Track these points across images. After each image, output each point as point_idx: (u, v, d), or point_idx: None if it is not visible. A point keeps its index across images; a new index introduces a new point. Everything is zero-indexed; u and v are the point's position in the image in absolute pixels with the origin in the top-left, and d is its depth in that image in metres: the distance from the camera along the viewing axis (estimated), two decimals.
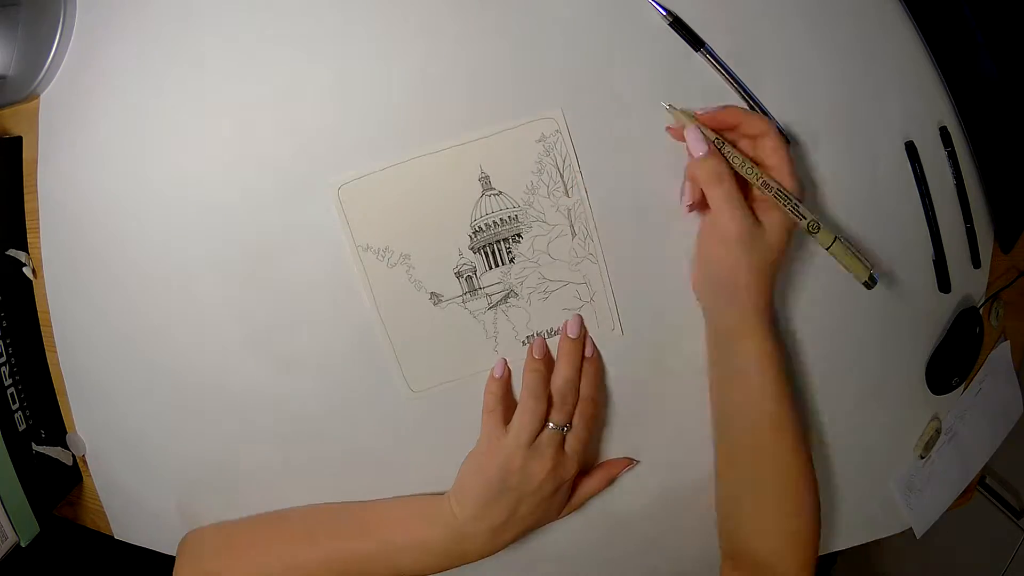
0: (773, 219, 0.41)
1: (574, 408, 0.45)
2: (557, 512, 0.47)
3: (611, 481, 0.49)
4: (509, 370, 0.47)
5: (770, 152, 0.41)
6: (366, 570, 0.46)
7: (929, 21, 0.46)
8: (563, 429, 0.44)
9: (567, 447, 0.45)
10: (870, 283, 0.39)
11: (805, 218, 0.39)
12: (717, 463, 0.48)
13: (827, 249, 0.39)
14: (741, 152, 0.41)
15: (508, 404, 0.46)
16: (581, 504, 0.48)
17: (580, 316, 0.47)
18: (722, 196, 0.40)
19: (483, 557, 0.45)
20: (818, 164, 0.46)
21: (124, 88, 0.45)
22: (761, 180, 0.40)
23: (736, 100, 0.45)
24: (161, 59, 0.45)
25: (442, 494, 0.47)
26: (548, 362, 0.46)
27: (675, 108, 0.43)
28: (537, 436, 0.44)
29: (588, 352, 0.47)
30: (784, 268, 0.47)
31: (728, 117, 0.42)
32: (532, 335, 0.47)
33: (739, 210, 0.40)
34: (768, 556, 0.45)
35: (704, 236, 0.44)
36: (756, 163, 0.41)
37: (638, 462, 0.50)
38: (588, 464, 0.50)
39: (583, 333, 0.47)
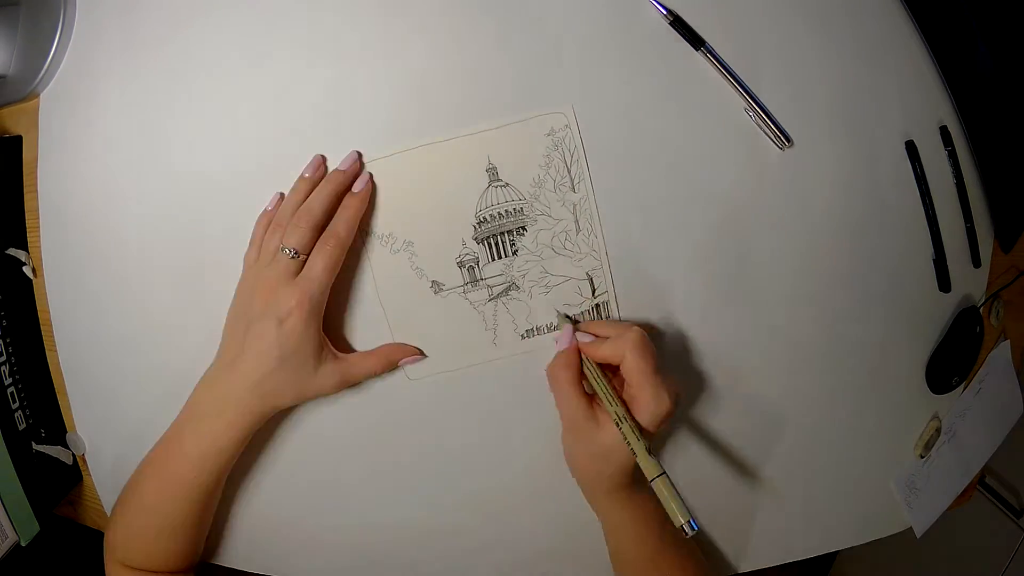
0: (611, 430, 0.40)
1: (313, 238, 0.42)
2: (301, 360, 0.42)
3: (390, 365, 0.46)
4: (283, 206, 0.44)
5: (628, 369, 0.40)
6: (187, 473, 0.44)
7: (929, 20, 0.46)
8: (293, 255, 0.41)
9: (298, 276, 0.41)
10: (687, 530, 0.36)
11: (639, 440, 0.38)
12: None
13: (650, 481, 0.37)
14: (601, 369, 0.42)
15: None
16: (356, 378, 0.45)
17: (358, 153, 0.44)
18: (561, 384, 0.42)
19: (238, 397, 0.42)
20: (818, 163, 0.47)
21: (124, 87, 0.46)
22: (609, 396, 0.40)
23: (736, 99, 0.45)
24: (161, 57, 0.45)
25: None
26: (316, 184, 0.43)
27: (562, 313, 0.46)
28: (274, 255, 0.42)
29: (358, 187, 0.43)
30: (782, 267, 0.47)
31: (600, 330, 0.43)
32: (532, 329, 0.47)
33: (574, 400, 0.41)
34: None
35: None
36: (616, 382, 0.42)
37: (424, 356, 0.47)
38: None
39: (357, 167, 0.44)
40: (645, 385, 0.39)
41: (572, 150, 0.44)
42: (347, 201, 0.43)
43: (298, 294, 0.41)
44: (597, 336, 0.43)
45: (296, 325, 0.41)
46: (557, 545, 0.53)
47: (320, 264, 0.42)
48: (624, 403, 0.40)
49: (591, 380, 0.42)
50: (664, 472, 0.37)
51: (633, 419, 0.39)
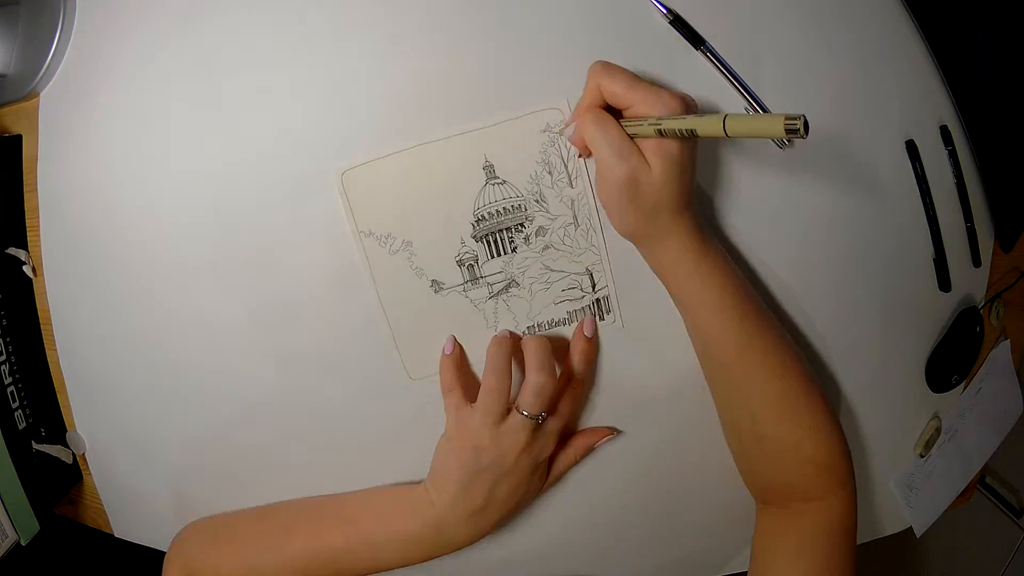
0: (657, 160, 0.37)
1: (549, 400, 0.43)
2: (536, 490, 0.46)
3: (589, 451, 0.48)
4: (460, 346, 0.46)
5: (615, 98, 0.38)
6: (348, 564, 0.45)
7: (930, 19, 0.46)
8: (538, 419, 0.42)
9: (552, 423, 0.44)
10: (792, 127, 0.28)
11: (696, 131, 0.34)
12: (717, 411, 0.47)
13: (726, 131, 0.32)
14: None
15: (466, 383, 0.46)
16: (560, 477, 0.47)
17: (595, 319, 0.46)
18: (599, 130, 0.38)
19: (467, 543, 0.44)
20: (818, 162, 0.46)
21: (124, 85, 0.45)
22: (635, 126, 0.37)
23: (736, 98, 0.45)
24: (161, 55, 0.45)
25: (420, 483, 0.46)
26: (515, 336, 0.45)
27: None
28: (505, 415, 0.42)
29: (588, 332, 0.46)
30: (781, 265, 0.47)
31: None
32: (533, 325, 0.47)
33: (616, 137, 0.38)
34: (788, 478, 0.43)
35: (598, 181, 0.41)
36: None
37: (620, 432, 0.48)
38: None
39: (595, 334, 0.46)
40: (637, 91, 0.37)
41: (569, 146, 0.44)
42: (584, 347, 0.46)
43: (554, 442, 0.44)
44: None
45: (545, 469, 0.45)
46: (556, 545, 0.53)
47: (571, 411, 0.45)
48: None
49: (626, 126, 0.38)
50: (727, 114, 0.32)
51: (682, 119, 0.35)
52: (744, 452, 0.46)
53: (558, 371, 0.45)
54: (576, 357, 0.45)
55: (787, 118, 0.29)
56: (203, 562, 0.48)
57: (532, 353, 0.43)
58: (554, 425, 0.44)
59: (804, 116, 0.28)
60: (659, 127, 0.36)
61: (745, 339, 0.41)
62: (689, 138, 0.36)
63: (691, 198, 0.40)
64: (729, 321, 0.41)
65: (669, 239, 0.40)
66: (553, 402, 0.43)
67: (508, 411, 0.42)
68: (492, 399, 0.42)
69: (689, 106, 0.38)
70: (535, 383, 0.42)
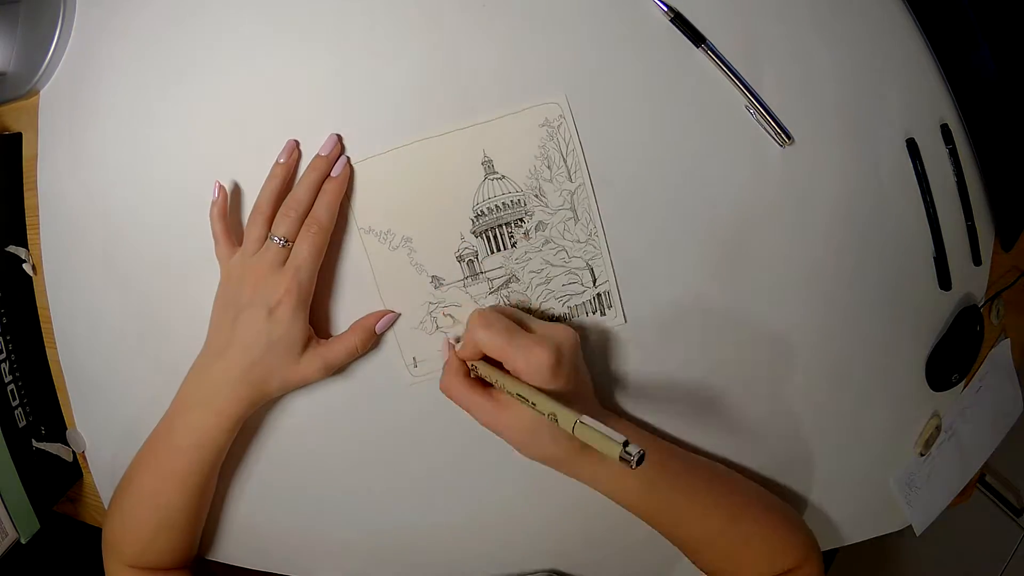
0: (518, 409, 0.39)
1: (298, 225, 0.42)
2: (288, 347, 0.42)
3: (368, 335, 0.45)
4: (225, 193, 0.44)
5: (487, 347, 0.40)
6: (170, 452, 0.44)
7: (930, 18, 0.46)
8: (283, 243, 0.42)
9: (286, 264, 0.42)
10: (629, 458, 0.31)
11: (542, 406, 0.36)
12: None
13: (573, 433, 0.34)
14: (484, 362, 0.41)
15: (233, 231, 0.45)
16: (339, 362, 0.45)
17: (338, 135, 0.43)
18: (456, 391, 0.42)
19: (226, 387, 0.43)
20: (819, 161, 0.46)
21: (123, 84, 0.45)
22: (494, 379, 0.40)
23: (737, 96, 0.45)
24: (160, 53, 0.45)
25: None
26: (291, 170, 0.44)
27: (446, 339, 0.46)
28: (261, 246, 0.42)
29: (336, 171, 0.43)
30: (781, 264, 0.48)
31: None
32: None
33: (474, 398, 0.41)
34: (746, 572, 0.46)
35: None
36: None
37: (398, 314, 0.46)
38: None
39: (336, 152, 0.44)
40: (508, 352, 0.38)
41: (567, 140, 0.44)
42: (326, 186, 0.43)
43: (287, 282, 0.42)
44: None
45: (285, 312, 0.42)
46: (555, 544, 0.53)
47: (306, 251, 0.42)
48: (509, 378, 0.39)
49: (480, 372, 0.41)
50: (577, 419, 0.34)
51: (529, 387, 0.37)
52: (691, 554, 0.47)
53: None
54: (320, 196, 0.43)
55: (624, 449, 0.31)
56: (123, 543, 0.47)
57: (296, 184, 0.43)
58: (292, 261, 0.42)
59: (642, 453, 0.31)
60: (521, 396, 0.37)
61: (665, 498, 0.44)
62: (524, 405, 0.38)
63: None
64: (648, 493, 0.44)
65: (578, 462, 0.42)
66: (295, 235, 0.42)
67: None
68: (251, 228, 0.43)
69: (561, 353, 0.39)
70: (283, 208, 0.42)
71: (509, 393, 0.38)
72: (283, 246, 0.42)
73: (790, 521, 0.48)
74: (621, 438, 0.32)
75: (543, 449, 0.41)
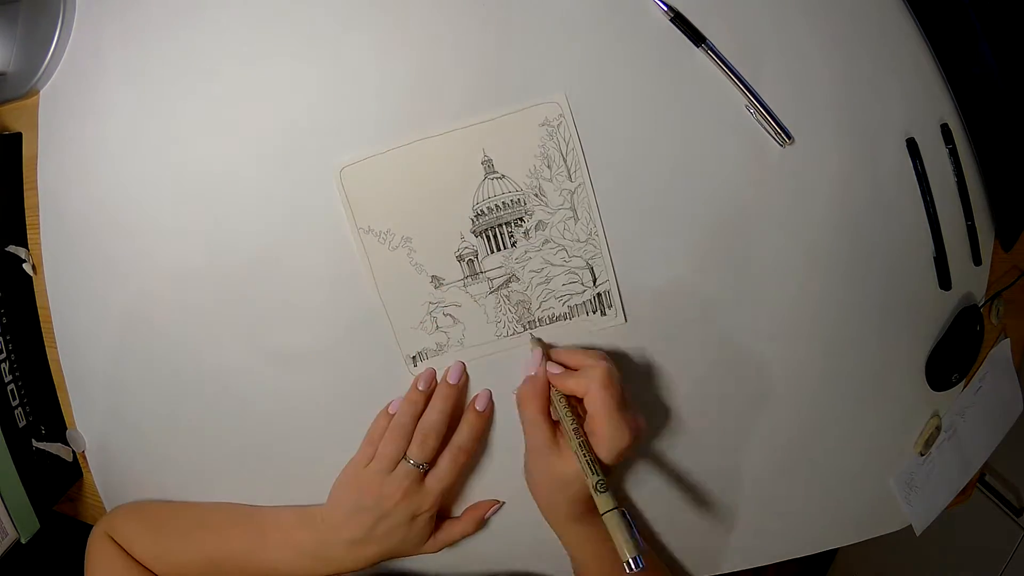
0: (571, 461, 0.41)
1: (435, 450, 0.46)
2: (420, 541, 0.48)
3: (480, 523, 0.50)
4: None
5: (590, 403, 0.41)
6: (248, 564, 0.48)
7: (930, 17, 0.46)
8: (420, 467, 0.45)
9: (426, 482, 0.46)
10: (631, 567, 0.36)
11: (594, 475, 0.39)
12: None
13: (602, 514, 0.38)
14: (567, 400, 0.43)
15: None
16: (452, 542, 0.49)
17: (463, 364, 0.47)
18: (528, 410, 0.44)
19: (347, 567, 0.47)
20: (819, 160, 0.46)
21: (123, 83, 0.46)
22: (571, 427, 0.41)
23: (737, 95, 0.45)
24: (160, 53, 0.45)
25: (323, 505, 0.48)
26: (430, 397, 0.47)
27: (535, 337, 0.47)
28: (396, 465, 0.45)
29: (480, 406, 0.47)
30: (779, 266, 0.48)
31: (570, 360, 0.44)
32: (534, 320, 0.47)
33: (540, 426, 0.43)
34: None
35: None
36: (580, 410, 0.42)
37: (503, 503, 0.50)
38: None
39: (464, 381, 0.48)
40: (606, 420, 0.40)
41: (567, 139, 0.44)
42: (472, 419, 0.47)
43: (434, 498, 0.46)
44: (566, 367, 0.44)
45: (426, 520, 0.46)
46: (553, 543, 0.53)
47: (450, 473, 0.46)
48: (585, 435, 0.41)
49: (557, 409, 0.43)
50: (616, 507, 0.37)
51: (592, 452, 0.40)
52: None
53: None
54: (464, 426, 0.47)
55: (629, 555, 0.36)
56: (123, 532, 0.50)
57: (428, 410, 0.47)
58: (433, 482, 0.46)
59: (638, 559, 0.36)
60: (590, 465, 0.39)
61: None
62: (578, 457, 0.40)
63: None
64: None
65: (562, 523, 0.46)
66: (435, 456, 0.46)
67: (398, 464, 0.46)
68: (389, 449, 0.46)
69: (636, 443, 0.41)
70: (419, 435, 0.45)
71: (576, 450, 0.40)
72: (419, 469, 0.45)
73: None
74: (642, 546, 0.36)
75: (560, 500, 0.44)
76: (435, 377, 0.47)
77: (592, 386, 0.41)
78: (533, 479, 0.46)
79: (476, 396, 0.48)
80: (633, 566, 0.36)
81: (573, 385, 0.42)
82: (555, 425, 0.44)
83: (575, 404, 0.43)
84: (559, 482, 0.43)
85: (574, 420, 0.41)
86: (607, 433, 0.40)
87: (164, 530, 0.50)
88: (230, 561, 0.48)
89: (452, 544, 0.49)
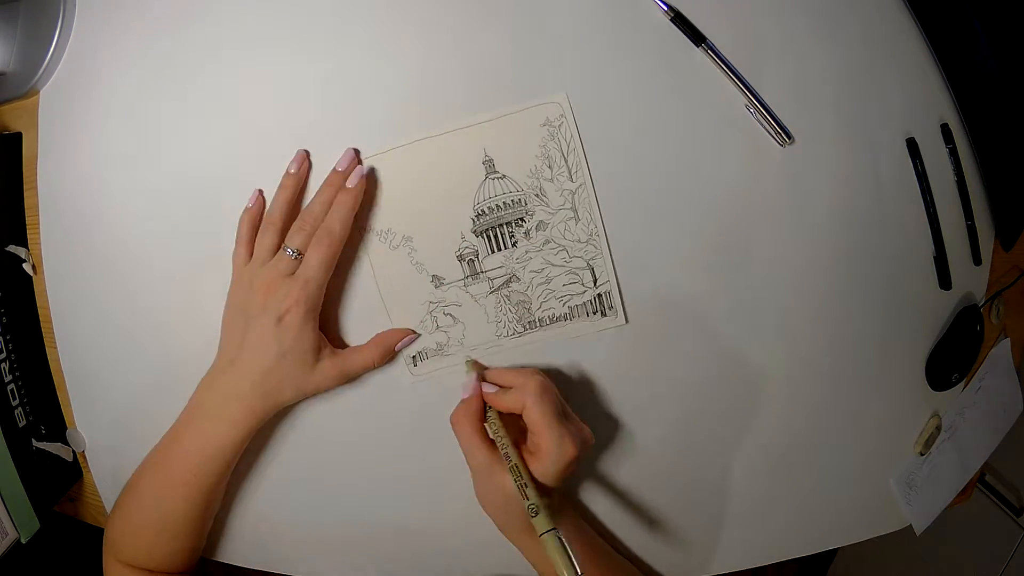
0: (510, 479, 0.40)
1: (305, 239, 0.42)
2: (297, 358, 0.43)
3: (387, 352, 0.46)
4: (263, 200, 0.45)
5: (528, 417, 0.40)
6: (190, 462, 0.44)
7: (931, 17, 0.46)
8: (295, 255, 0.42)
9: (295, 274, 0.42)
10: None
11: (525, 499, 0.38)
12: None
13: (539, 536, 0.37)
14: (501, 421, 0.42)
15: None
16: (353, 371, 0.45)
17: (355, 150, 0.44)
18: (463, 432, 0.42)
19: (236, 396, 0.43)
20: (819, 160, 0.46)
21: (123, 83, 0.46)
22: (504, 449, 0.40)
23: (737, 95, 0.45)
24: (160, 53, 0.45)
25: None
26: (301, 181, 0.44)
27: (470, 360, 0.47)
28: (273, 256, 0.43)
29: (351, 183, 0.43)
30: (781, 265, 0.48)
31: (503, 379, 0.43)
32: (534, 320, 0.47)
33: (475, 448, 0.41)
34: None
35: None
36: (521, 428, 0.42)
37: (418, 335, 0.47)
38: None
39: (353, 166, 0.44)
40: (545, 433, 0.39)
41: (568, 139, 0.44)
42: (340, 197, 0.43)
43: (296, 291, 0.42)
44: (501, 386, 0.43)
45: (294, 321, 0.42)
46: None
47: (316, 260, 0.42)
48: (521, 456, 0.40)
49: (489, 430, 0.42)
50: (550, 529, 0.37)
51: (527, 474, 0.39)
52: None
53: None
54: (333, 208, 0.43)
55: None
56: (126, 551, 0.47)
57: (313, 199, 0.43)
58: (303, 271, 0.42)
59: None
60: (523, 487, 0.39)
61: None
62: (511, 478, 0.39)
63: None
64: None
65: (514, 536, 0.44)
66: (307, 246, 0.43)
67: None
68: (264, 238, 0.43)
69: (583, 452, 0.40)
70: (298, 221, 0.43)
71: (512, 473, 0.39)
72: (295, 258, 0.42)
73: None
74: (577, 572, 0.35)
75: (508, 515, 0.43)
76: (307, 159, 0.44)
77: (527, 400, 0.40)
78: (483, 498, 0.43)
79: (343, 170, 0.43)
80: None
81: (509, 402, 0.41)
82: (493, 444, 0.42)
83: (516, 423, 0.42)
84: (506, 498, 0.41)
85: (508, 442, 0.40)
86: (549, 446, 0.39)
87: (139, 512, 0.47)
88: (184, 485, 0.44)
89: (357, 375, 0.46)
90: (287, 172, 0.44)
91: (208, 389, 0.45)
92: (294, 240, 0.42)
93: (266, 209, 0.44)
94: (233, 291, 0.45)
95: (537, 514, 0.37)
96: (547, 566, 0.44)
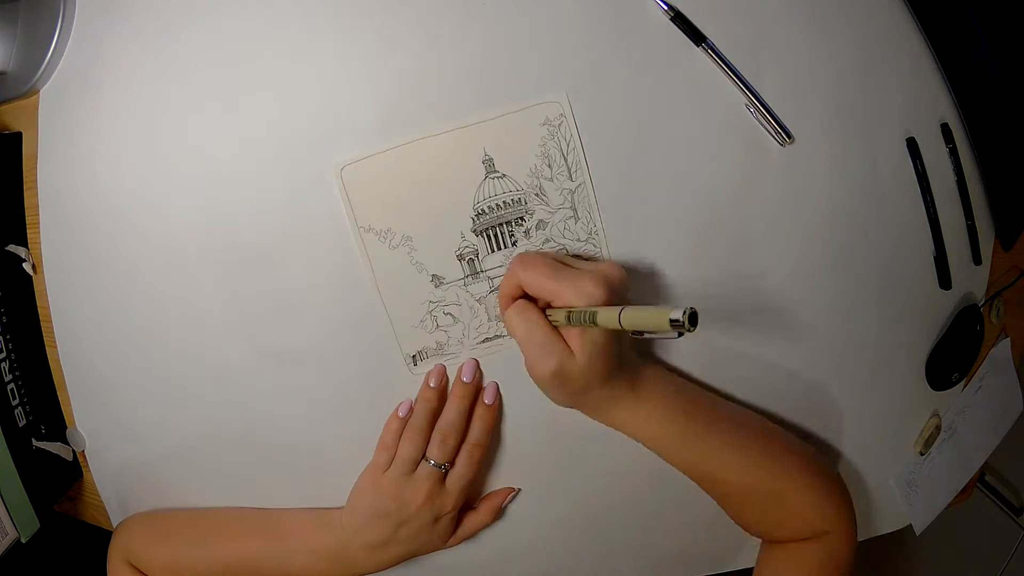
0: (576, 339, 0.39)
1: (455, 449, 0.46)
2: (442, 541, 0.48)
3: (497, 513, 0.50)
4: (412, 410, 0.47)
5: (537, 291, 0.40)
6: (263, 568, 0.48)
7: (931, 17, 0.46)
8: (442, 467, 0.46)
9: (447, 483, 0.46)
10: (677, 322, 0.29)
11: (596, 323, 0.35)
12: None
13: (620, 321, 0.33)
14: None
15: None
16: (470, 535, 0.50)
17: (476, 361, 0.47)
18: (525, 316, 0.40)
19: (370, 570, 0.48)
20: (819, 160, 0.46)
21: (124, 83, 0.45)
22: (553, 318, 0.39)
23: (737, 95, 0.45)
24: (160, 52, 0.45)
25: (342, 508, 0.49)
26: (443, 393, 0.47)
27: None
28: (416, 467, 0.46)
29: (489, 399, 0.47)
30: (783, 265, 0.48)
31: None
32: None
33: (541, 325, 0.40)
34: (778, 527, 0.47)
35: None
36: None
37: (519, 489, 0.51)
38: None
39: (478, 378, 0.47)
40: (552, 286, 0.38)
41: (568, 139, 0.44)
42: (483, 413, 0.47)
43: (454, 500, 0.46)
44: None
45: (448, 521, 0.47)
46: (552, 542, 0.53)
47: (468, 473, 0.46)
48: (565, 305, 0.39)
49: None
50: (623, 309, 0.33)
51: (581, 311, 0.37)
52: (730, 509, 0.48)
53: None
54: (476, 422, 0.47)
55: (672, 315, 0.29)
56: (140, 552, 0.50)
57: (446, 410, 0.47)
58: (454, 482, 0.46)
59: (691, 309, 0.29)
60: (569, 316, 0.37)
61: (698, 445, 0.45)
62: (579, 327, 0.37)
63: (620, 363, 0.42)
64: (680, 437, 0.44)
65: (606, 405, 0.44)
66: (454, 456, 0.46)
67: (419, 463, 0.46)
68: (407, 451, 0.46)
69: (611, 285, 0.38)
70: (439, 435, 0.46)
71: (567, 318, 0.37)
72: (440, 470, 0.46)
73: (825, 484, 0.47)
74: (668, 308, 0.29)
75: (601, 367, 0.40)
76: (446, 373, 0.47)
77: (517, 276, 0.40)
78: (562, 388, 0.41)
79: (483, 390, 0.48)
80: (681, 319, 0.28)
81: (507, 288, 0.41)
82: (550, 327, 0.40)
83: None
84: (594, 353, 0.39)
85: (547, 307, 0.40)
86: (568, 292, 0.38)
87: (179, 540, 0.50)
88: (247, 566, 0.48)
89: (471, 537, 0.50)
90: (427, 385, 0.47)
91: (344, 544, 0.47)
92: (440, 454, 0.46)
93: (413, 421, 0.47)
94: (374, 496, 0.47)
95: (595, 322, 0.34)
96: (645, 430, 0.44)
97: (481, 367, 0.48)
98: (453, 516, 0.47)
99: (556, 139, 0.44)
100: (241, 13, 0.44)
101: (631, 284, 0.43)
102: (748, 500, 0.46)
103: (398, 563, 0.48)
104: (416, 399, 0.47)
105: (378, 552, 0.47)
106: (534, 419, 0.49)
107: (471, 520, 0.49)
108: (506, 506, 0.51)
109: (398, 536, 0.46)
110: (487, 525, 0.50)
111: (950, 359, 0.53)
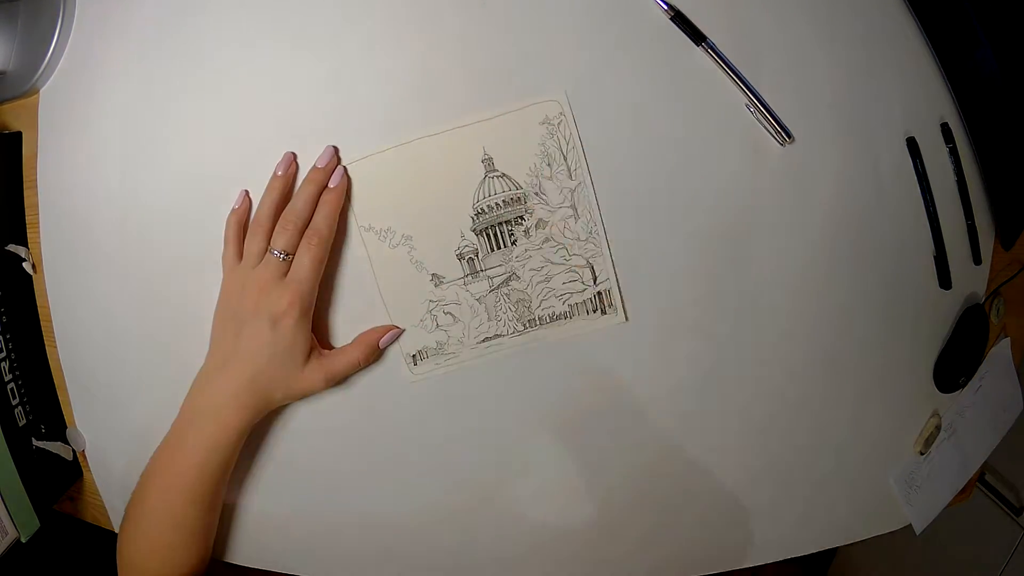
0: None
1: (298, 238, 0.43)
2: (295, 364, 0.44)
3: (371, 350, 0.46)
4: (250, 201, 0.45)
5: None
6: (205, 471, 0.44)
7: (930, 16, 0.46)
8: (282, 256, 0.42)
9: (288, 276, 0.43)
10: None
11: None
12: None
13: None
14: None
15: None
16: (342, 371, 0.46)
17: (334, 147, 0.44)
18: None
19: (227, 399, 0.43)
20: (819, 159, 0.46)
21: (123, 82, 0.46)
22: None
23: (737, 94, 0.45)
24: (160, 52, 0.45)
25: None
26: (289, 182, 0.44)
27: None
28: (263, 258, 0.43)
29: (333, 182, 0.44)
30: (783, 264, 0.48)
31: None
32: (533, 319, 0.47)
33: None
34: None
35: None
36: None
37: (402, 330, 0.47)
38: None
39: (332, 164, 0.44)
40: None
41: (568, 137, 0.44)
42: (325, 197, 0.44)
43: (290, 294, 0.42)
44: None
45: (289, 324, 0.43)
46: (559, 540, 0.53)
47: (307, 262, 0.43)
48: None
49: None
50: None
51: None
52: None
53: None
54: (319, 207, 0.44)
55: None
56: (144, 565, 0.47)
57: (295, 198, 0.44)
58: (294, 273, 0.43)
59: None
60: None
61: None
62: None
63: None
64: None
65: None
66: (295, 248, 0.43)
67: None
68: (252, 241, 0.43)
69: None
70: (282, 222, 0.43)
71: None
72: (284, 259, 0.43)
73: None
74: None
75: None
76: (294, 161, 0.44)
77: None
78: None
79: (323, 167, 0.44)
80: None
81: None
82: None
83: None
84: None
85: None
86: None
87: (143, 525, 0.47)
88: (190, 490, 0.44)
89: (343, 376, 0.46)
90: (275, 174, 0.44)
91: (200, 393, 0.45)
92: (279, 241, 0.43)
93: (254, 211, 0.45)
94: (224, 294, 0.45)
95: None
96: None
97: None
98: (296, 323, 0.42)
99: (555, 138, 0.44)
100: (241, 14, 0.44)
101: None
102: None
103: (264, 396, 0.44)
104: (265, 190, 0.44)
105: (229, 371, 0.43)
106: (536, 417, 0.49)
107: (341, 354, 0.45)
108: (385, 347, 0.47)
109: (241, 344, 0.42)
110: (359, 364, 0.46)
111: (957, 362, 0.53)
